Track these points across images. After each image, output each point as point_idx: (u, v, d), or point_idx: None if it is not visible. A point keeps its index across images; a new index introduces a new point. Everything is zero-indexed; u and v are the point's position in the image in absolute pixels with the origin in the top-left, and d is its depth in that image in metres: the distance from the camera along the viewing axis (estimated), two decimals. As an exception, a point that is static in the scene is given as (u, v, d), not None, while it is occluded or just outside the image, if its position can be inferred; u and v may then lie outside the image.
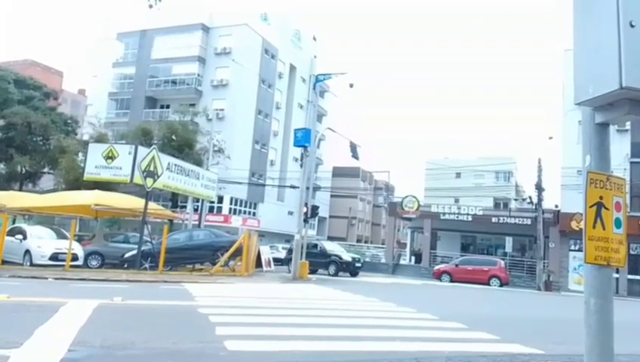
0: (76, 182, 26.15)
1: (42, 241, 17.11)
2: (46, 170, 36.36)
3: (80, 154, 29.41)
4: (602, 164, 2.91)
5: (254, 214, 45.45)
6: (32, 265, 16.14)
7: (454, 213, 34.65)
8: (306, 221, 21.40)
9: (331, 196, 57.17)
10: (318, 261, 24.02)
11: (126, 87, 47.72)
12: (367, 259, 36.85)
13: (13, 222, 20.42)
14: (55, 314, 6.62)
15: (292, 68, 51.47)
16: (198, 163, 28.36)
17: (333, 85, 50.74)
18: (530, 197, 31.71)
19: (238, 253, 18.02)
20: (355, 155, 24.38)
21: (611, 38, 2.60)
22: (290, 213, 46.60)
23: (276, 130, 49.18)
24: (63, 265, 15.83)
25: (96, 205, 18.59)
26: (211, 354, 5.04)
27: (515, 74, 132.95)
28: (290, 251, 23.90)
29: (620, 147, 27.04)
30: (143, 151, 18.47)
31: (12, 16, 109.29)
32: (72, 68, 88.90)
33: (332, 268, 24.44)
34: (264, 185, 45.22)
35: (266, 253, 22.08)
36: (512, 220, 33.14)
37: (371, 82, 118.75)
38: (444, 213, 34.78)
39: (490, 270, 27.25)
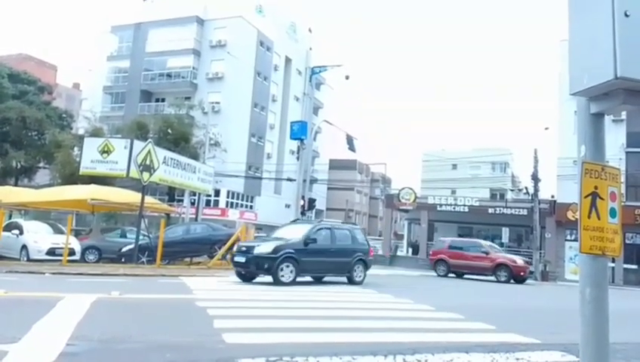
0: (72, 176, 26.01)
1: (39, 236, 17.08)
2: (41, 164, 36.18)
3: (75, 148, 29.24)
4: (597, 154, 2.91)
5: (251, 207, 45.44)
6: (29, 260, 16.12)
7: (451, 205, 34.73)
8: (303, 213, 21.44)
9: (328, 189, 57.15)
10: None
11: (121, 80, 47.45)
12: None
13: (10, 218, 20.39)
14: (53, 309, 6.61)
15: (288, 60, 51.24)
16: (195, 156, 28.27)
17: (329, 78, 50.57)
18: (526, 188, 31.81)
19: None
20: (351, 148, 24.45)
21: (606, 28, 2.58)
22: (288, 205, 46.57)
23: (272, 123, 49.04)
24: (60, 260, 15.79)
25: (93, 199, 18.56)
26: (210, 347, 5.05)
27: (512, 65, 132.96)
28: None
29: (615, 137, 27.12)
30: (138, 145, 18.40)
31: (5, 10, 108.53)
32: (66, 62, 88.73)
33: None
34: (261, 178, 45.17)
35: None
36: (509, 211, 33.25)
37: (367, 74, 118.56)
38: (440, 205, 34.87)
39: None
